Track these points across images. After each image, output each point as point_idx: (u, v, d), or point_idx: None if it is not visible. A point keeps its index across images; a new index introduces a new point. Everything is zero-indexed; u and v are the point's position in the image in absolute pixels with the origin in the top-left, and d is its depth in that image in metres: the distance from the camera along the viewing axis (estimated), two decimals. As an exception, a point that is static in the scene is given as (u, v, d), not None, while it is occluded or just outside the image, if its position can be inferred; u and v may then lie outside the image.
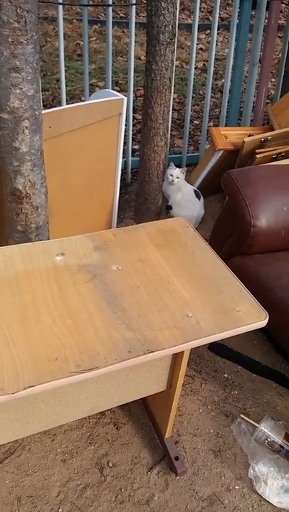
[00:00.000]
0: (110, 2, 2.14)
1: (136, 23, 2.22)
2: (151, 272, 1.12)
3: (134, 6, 2.17)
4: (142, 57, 3.96)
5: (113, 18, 2.21)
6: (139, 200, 2.29)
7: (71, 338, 0.92)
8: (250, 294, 1.07)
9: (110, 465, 1.34)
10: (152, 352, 0.91)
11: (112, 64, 2.36)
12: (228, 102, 2.74)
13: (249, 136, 2.21)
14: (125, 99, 1.76)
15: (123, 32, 4.61)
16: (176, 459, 1.33)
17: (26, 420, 1.09)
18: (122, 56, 4.25)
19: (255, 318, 1.02)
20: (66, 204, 1.80)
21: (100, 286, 1.05)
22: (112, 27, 2.22)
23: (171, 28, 1.87)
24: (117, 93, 1.79)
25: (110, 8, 2.14)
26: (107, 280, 1.08)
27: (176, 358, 1.19)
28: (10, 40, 1.15)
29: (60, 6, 2.04)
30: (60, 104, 2.35)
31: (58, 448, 1.37)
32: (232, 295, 1.07)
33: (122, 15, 4.93)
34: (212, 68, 2.53)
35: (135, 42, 2.27)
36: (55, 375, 0.85)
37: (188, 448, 1.41)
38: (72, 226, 1.88)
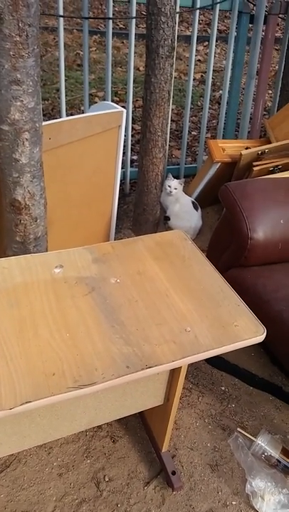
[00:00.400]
0: (111, 15, 2.17)
1: (135, 34, 2.24)
2: (150, 285, 1.11)
3: (133, 20, 2.20)
4: (141, 68, 4.00)
5: (112, 29, 2.23)
6: (138, 211, 2.30)
7: (69, 353, 0.91)
8: (248, 309, 1.08)
9: (107, 479, 1.33)
10: (150, 367, 0.91)
11: (112, 74, 2.38)
12: (226, 113, 2.77)
13: (246, 148, 2.23)
14: (124, 111, 1.77)
15: (122, 43, 4.65)
16: (173, 473, 1.32)
17: (23, 434, 1.08)
18: (121, 67, 4.29)
19: (253, 333, 1.01)
20: (65, 215, 1.81)
21: (98, 300, 1.05)
22: (112, 38, 2.25)
23: (170, 41, 1.89)
24: (117, 105, 1.80)
25: (110, 21, 2.16)
26: (106, 293, 1.08)
27: (174, 372, 1.19)
28: (11, 53, 1.16)
29: (61, 18, 2.06)
30: (59, 113, 2.36)
31: (54, 461, 1.35)
32: (230, 309, 1.07)
33: (122, 26, 4.98)
34: (210, 80, 2.55)
35: (134, 53, 2.29)
36: (52, 390, 0.84)
37: (185, 462, 1.40)
38: (70, 236, 1.89)
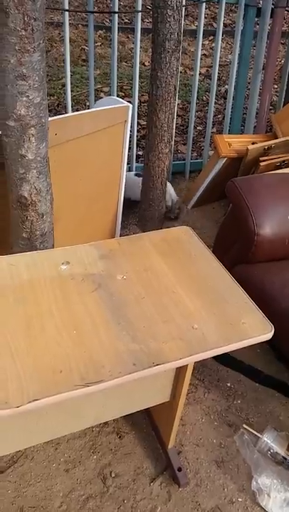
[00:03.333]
0: (116, 9, 2.15)
1: (140, 28, 2.22)
2: (156, 282, 1.11)
3: (139, 14, 2.18)
4: (146, 63, 3.97)
5: (118, 23, 2.21)
6: (143, 207, 2.29)
7: (76, 350, 0.91)
8: (256, 306, 1.07)
9: (113, 475, 1.33)
10: (157, 365, 0.91)
11: (117, 69, 2.36)
12: (232, 108, 2.74)
13: (253, 143, 2.21)
14: (130, 106, 1.76)
15: (127, 37, 4.62)
16: (180, 470, 1.32)
17: (30, 431, 1.08)
18: (126, 62, 4.26)
19: (260, 330, 1.01)
20: (71, 210, 1.80)
21: (105, 297, 1.05)
22: (117, 33, 2.23)
23: (176, 35, 1.87)
24: (122, 100, 1.78)
25: (116, 15, 2.14)
26: (112, 290, 1.07)
27: (181, 369, 1.18)
28: (17, 47, 1.15)
29: (67, 12, 2.04)
30: (65, 109, 2.35)
31: (60, 457, 1.36)
32: (237, 306, 1.06)
33: (127, 20, 4.94)
34: (216, 75, 2.53)
35: (140, 47, 2.27)
36: (59, 388, 0.84)
37: (191, 458, 1.40)
38: (76, 232, 1.88)
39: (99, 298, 1.04)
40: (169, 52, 1.89)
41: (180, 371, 1.19)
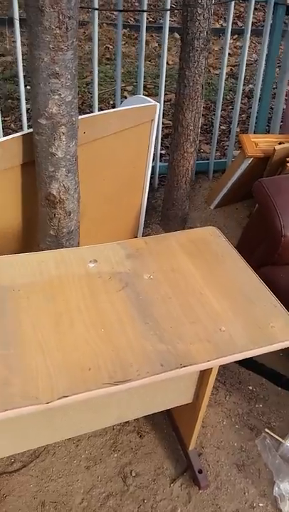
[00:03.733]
0: (145, 7, 2.14)
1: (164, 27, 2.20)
2: (183, 282, 1.10)
3: (168, 12, 2.17)
4: (170, 62, 3.95)
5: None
6: (167, 206, 2.28)
7: (104, 348, 0.91)
8: (285, 309, 1.05)
9: (133, 474, 1.33)
10: (185, 366, 0.90)
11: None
12: (257, 107, 2.71)
13: (279, 143, 2.18)
14: (158, 105, 1.75)
15: (151, 36, 4.60)
16: (200, 472, 1.32)
17: (55, 427, 1.09)
18: (150, 60, 4.25)
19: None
20: (95, 208, 1.81)
21: (132, 296, 1.05)
22: (145, 31, 2.22)
23: (205, 34, 1.86)
24: (150, 99, 1.78)
25: (144, 14, 2.14)
26: (139, 289, 1.07)
27: (205, 370, 1.17)
28: (51, 46, 1.16)
29: (96, 11, 2.05)
30: (89, 107, 2.36)
31: (82, 454, 1.37)
32: (265, 309, 1.05)
33: (151, 19, 4.93)
34: (243, 74, 2.50)
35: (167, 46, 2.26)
36: (88, 385, 0.84)
37: (212, 461, 1.39)
38: (99, 229, 1.89)
39: (126, 297, 1.04)
40: (197, 50, 1.87)
41: (204, 373, 1.18)
